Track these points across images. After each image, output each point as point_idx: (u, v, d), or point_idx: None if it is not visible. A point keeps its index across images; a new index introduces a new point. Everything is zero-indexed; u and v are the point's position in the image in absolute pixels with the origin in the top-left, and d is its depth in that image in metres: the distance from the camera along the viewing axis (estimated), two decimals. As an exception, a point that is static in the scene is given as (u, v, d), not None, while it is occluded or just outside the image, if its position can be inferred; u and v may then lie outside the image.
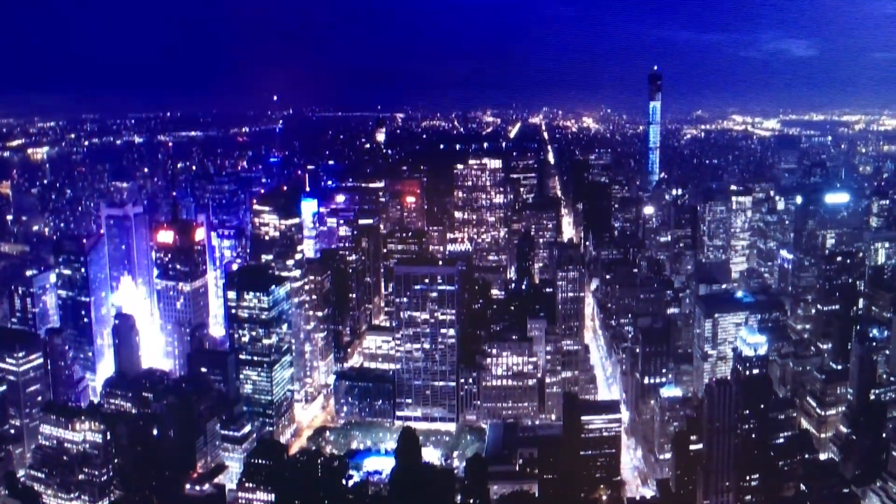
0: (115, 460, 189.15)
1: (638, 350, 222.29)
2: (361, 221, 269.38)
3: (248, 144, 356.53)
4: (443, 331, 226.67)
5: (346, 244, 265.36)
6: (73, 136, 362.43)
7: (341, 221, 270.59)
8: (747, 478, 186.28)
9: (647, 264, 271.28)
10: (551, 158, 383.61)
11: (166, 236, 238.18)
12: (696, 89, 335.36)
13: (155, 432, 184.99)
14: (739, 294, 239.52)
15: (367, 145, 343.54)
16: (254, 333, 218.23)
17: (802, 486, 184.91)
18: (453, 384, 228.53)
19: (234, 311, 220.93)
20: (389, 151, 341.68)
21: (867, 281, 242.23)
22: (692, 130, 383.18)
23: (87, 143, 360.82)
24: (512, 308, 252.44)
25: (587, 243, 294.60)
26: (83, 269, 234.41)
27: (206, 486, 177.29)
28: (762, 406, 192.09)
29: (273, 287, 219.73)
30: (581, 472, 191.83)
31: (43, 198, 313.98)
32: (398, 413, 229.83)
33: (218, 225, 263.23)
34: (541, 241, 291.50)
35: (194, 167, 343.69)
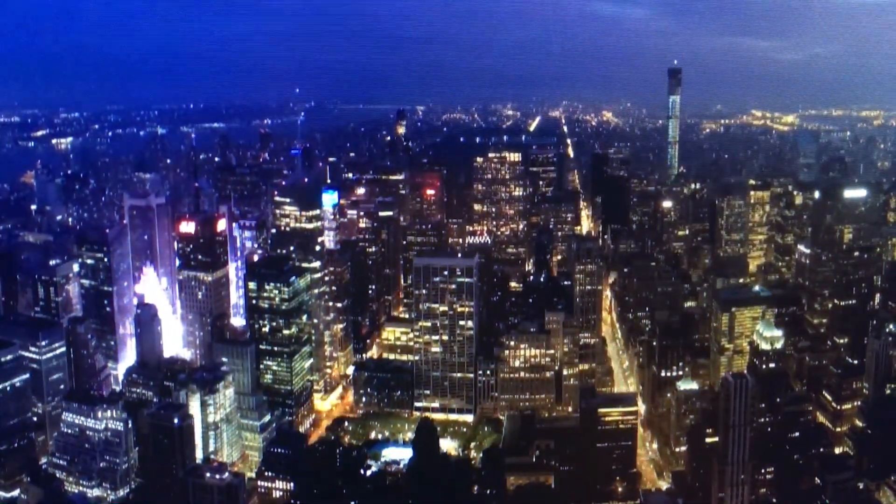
0: (137, 448, 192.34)
1: (655, 343, 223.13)
2: (381, 213, 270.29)
3: (270, 136, 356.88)
4: (461, 322, 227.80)
5: (366, 236, 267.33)
6: (96, 126, 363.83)
7: (361, 213, 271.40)
8: (762, 471, 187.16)
9: (665, 258, 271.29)
10: (570, 152, 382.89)
11: (188, 227, 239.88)
12: (716, 84, 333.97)
13: (175, 421, 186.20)
14: (756, 288, 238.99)
15: (388, 138, 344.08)
16: (274, 324, 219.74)
17: (817, 480, 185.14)
18: (471, 375, 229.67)
19: (254, 301, 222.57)
20: (410, 144, 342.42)
21: (884, 276, 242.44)
22: (711, 125, 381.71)
23: (110, 133, 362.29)
24: (530, 300, 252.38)
25: (605, 236, 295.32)
26: (106, 259, 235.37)
27: (226, 475, 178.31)
28: (778, 400, 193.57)
29: (293, 278, 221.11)
30: (597, 464, 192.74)
31: (67, 188, 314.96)
32: (416, 404, 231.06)
33: (239, 216, 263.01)
34: (559, 234, 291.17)
35: (216, 158, 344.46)
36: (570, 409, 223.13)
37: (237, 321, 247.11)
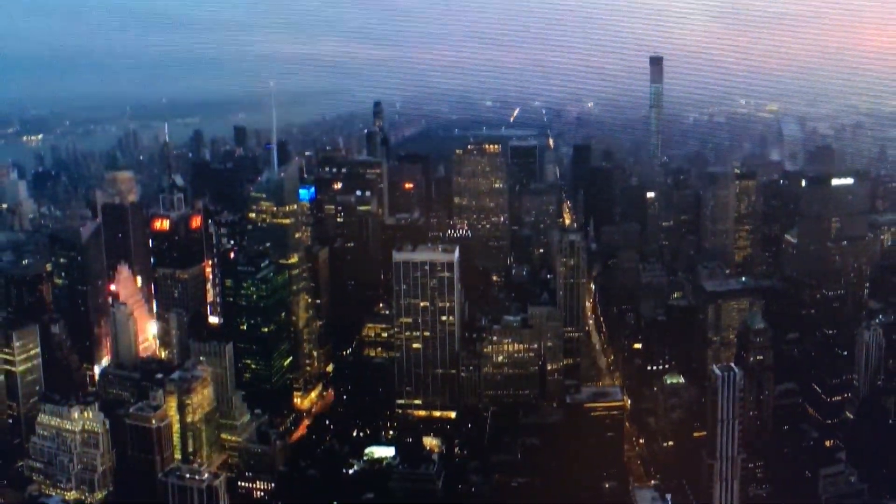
0: (114, 450, 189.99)
1: (640, 336, 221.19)
2: (360, 208, 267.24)
3: (245, 131, 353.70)
4: (443, 318, 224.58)
5: (345, 231, 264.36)
6: (67, 123, 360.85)
7: (339, 208, 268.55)
8: (752, 465, 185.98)
9: (649, 250, 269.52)
10: (552, 143, 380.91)
11: (163, 224, 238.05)
12: (700, 72, 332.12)
13: (153, 422, 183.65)
14: (743, 279, 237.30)
15: (365, 131, 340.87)
16: (252, 321, 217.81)
17: (807, 473, 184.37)
18: (454, 371, 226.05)
19: (231, 299, 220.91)
20: (388, 137, 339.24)
21: (873, 265, 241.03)
22: (695, 114, 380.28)
23: (81, 130, 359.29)
24: (513, 295, 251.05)
25: (588, 229, 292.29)
26: (79, 258, 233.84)
27: (206, 476, 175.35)
28: (766, 393, 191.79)
29: (271, 275, 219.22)
30: (583, 460, 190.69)
31: (38, 186, 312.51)
32: (398, 401, 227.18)
33: (214, 212, 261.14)
34: (541, 226, 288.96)
35: (190, 154, 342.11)
36: (554, 404, 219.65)
37: (214, 319, 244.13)
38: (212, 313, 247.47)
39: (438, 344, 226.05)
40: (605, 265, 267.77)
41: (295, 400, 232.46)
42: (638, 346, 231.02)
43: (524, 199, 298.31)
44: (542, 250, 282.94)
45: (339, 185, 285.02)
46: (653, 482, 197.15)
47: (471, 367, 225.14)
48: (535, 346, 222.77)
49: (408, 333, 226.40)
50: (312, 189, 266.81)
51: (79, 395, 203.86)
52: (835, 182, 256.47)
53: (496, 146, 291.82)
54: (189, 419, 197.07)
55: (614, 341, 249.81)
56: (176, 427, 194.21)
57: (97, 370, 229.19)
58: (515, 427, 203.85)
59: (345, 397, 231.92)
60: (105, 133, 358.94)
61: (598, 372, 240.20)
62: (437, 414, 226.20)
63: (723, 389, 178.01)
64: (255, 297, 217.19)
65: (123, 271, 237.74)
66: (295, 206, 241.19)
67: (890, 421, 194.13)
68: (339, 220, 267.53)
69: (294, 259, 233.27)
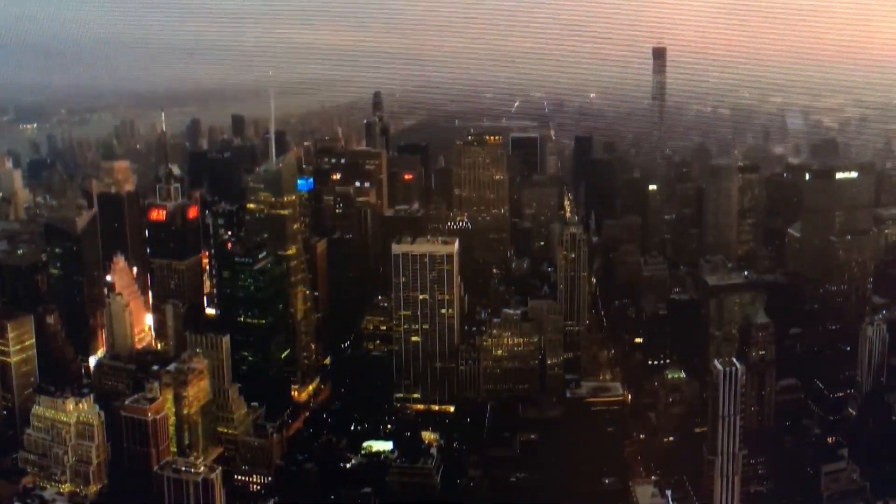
0: (109, 442, 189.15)
1: (641, 331, 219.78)
2: (359, 199, 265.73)
3: (243, 120, 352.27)
4: (442, 311, 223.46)
5: (343, 222, 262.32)
6: (63, 111, 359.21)
7: (338, 199, 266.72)
8: (753, 461, 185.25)
9: (651, 243, 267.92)
10: (553, 135, 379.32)
11: (160, 214, 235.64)
12: (703, 63, 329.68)
13: (149, 414, 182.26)
14: (745, 274, 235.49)
15: (364, 121, 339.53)
16: (249, 313, 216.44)
17: (809, 470, 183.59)
18: (453, 365, 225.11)
19: (228, 290, 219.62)
20: (389, 127, 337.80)
21: (877, 260, 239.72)
22: (698, 105, 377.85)
23: (78, 118, 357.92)
24: (513, 288, 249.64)
25: (589, 221, 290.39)
26: (75, 248, 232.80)
27: (202, 469, 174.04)
28: (768, 388, 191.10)
29: (269, 266, 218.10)
30: (583, 455, 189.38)
31: (33, 175, 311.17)
32: (396, 394, 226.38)
33: (212, 202, 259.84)
34: (542, 219, 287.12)
35: (187, 143, 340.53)
36: (554, 398, 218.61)
37: (211, 310, 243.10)
38: (208, 305, 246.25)
39: (437, 337, 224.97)
40: (607, 258, 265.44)
41: (292, 393, 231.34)
42: (639, 340, 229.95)
43: (525, 190, 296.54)
44: (542, 243, 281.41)
45: (337, 176, 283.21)
46: (653, 478, 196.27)
47: (470, 361, 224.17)
48: (535, 339, 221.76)
49: (406, 326, 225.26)
50: (311, 180, 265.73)
51: (74, 387, 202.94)
52: (839, 175, 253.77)
53: (497, 137, 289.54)
54: (185, 411, 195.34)
55: (615, 335, 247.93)
56: (172, 419, 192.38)
57: (92, 361, 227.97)
58: (515, 421, 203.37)
59: (343, 390, 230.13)
60: (101, 122, 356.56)
61: (598, 366, 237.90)
62: (435, 408, 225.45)
63: (724, 385, 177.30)
64: (252, 288, 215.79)
65: (119, 261, 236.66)
66: (293, 197, 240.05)
67: (893, 418, 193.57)
68: (337, 211, 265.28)
69: (292, 250, 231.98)
